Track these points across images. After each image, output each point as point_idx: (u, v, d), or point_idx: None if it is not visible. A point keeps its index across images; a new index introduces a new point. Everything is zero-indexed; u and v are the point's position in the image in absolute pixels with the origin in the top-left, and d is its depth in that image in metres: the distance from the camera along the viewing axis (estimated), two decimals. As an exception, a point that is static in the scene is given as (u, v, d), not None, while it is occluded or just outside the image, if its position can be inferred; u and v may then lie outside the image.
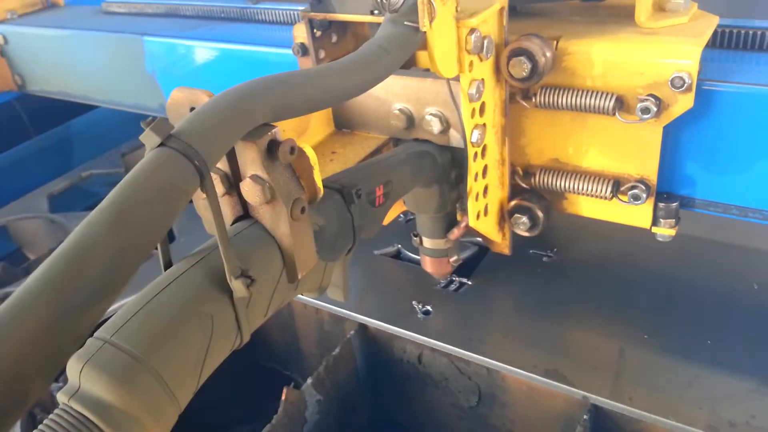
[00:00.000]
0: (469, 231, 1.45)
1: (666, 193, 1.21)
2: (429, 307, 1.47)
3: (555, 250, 1.60)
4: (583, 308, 1.42)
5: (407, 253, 1.68)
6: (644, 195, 1.17)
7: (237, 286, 0.68)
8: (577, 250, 1.60)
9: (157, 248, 0.70)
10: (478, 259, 1.62)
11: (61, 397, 0.59)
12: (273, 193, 0.73)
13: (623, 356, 1.29)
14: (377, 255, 1.69)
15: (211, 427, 1.72)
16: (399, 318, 1.46)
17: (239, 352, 1.76)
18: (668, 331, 1.33)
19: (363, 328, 1.50)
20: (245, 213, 0.78)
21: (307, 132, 1.20)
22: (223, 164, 0.74)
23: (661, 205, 1.20)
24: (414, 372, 1.49)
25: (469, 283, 1.53)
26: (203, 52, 1.73)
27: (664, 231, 1.22)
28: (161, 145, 0.60)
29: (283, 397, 1.34)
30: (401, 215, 1.79)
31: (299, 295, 1.58)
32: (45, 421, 0.57)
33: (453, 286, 1.53)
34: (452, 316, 1.45)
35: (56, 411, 0.58)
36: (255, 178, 0.71)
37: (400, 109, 1.17)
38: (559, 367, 1.28)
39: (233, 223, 0.78)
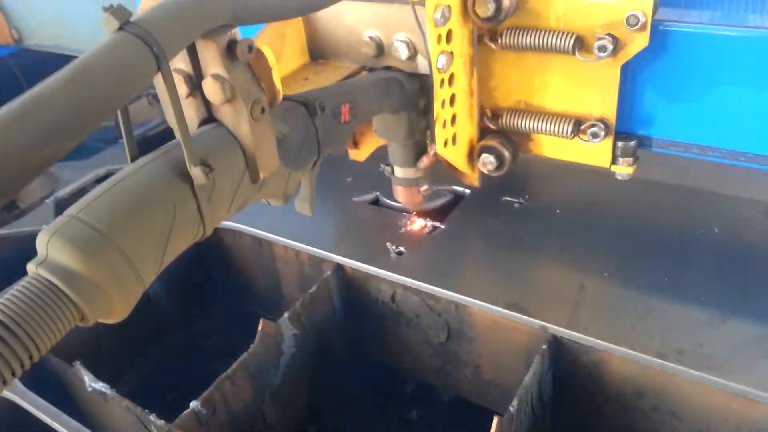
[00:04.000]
0: (442, 175, 1.51)
1: (625, 132, 1.26)
2: (402, 248, 1.53)
3: (527, 197, 1.65)
4: (549, 250, 1.47)
5: (385, 200, 1.73)
6: (602, 133, 1.22)
7: (196, 173, 0.73)
8: (548, 198, 1.65)
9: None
10: (452, 206, 1.67)
11: (30, 267, 0.64)
12: (233, 92, 0.77)
13: (582, 292, 1.35)
14: (356, 201, 1.75)
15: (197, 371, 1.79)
16: (374, 258, 1.52)
17: (224, 296, 1.78)
18: (628, 269, 1.38)
19: (339, 268, 1.56)
20: (210, 116, 0.83)
21: (281, 60, 1.25)
22: (186, 65, 0.79)
23: (619, 143, 1.25)
24: (388, 311, 1.55)
25: (442, 227, 1.59)
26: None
27: (623, 169, 1.27)
28: (120, 29, 0.65)
29: (259, 328, 1.40)
30: (381, 165, 1.84)
31: (280, 238, 1.65)
32: (15, 288, 0.62)
33: (426, 230, 1.59)
34: (424, 256, 1.51)
35: (25, 279, 0.63)
36: (215, 76, 0.77)
37: (370, 37, 1.21)
38: (521, 301, 1.34)
39: (199, 126, 0.83)
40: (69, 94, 0.61)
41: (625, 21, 1.10)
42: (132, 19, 0.66)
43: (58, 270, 0.63)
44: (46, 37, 2.30)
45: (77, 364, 1.37)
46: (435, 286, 1.41)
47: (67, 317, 0.62)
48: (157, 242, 0.71)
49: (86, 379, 1.34)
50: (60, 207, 1.88)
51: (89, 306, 0.64)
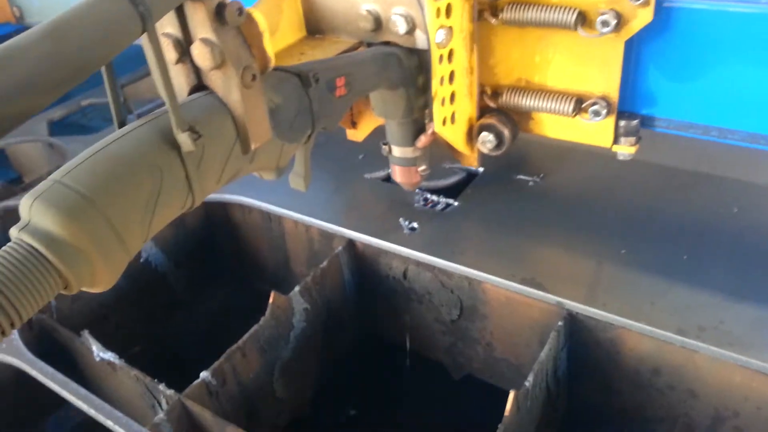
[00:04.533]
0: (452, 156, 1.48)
1: (627, 112, 1.24)
2: (415, 224, 1.51)
3: (542, 175, 1.63)
4: (565, 227, 1.45)
5: (397, 177, 1.71)
6: (604, 111, 1.20)
7: (183, 139, 0.70)
8: (563, 176, 1.63)
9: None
10: (465, 184, 1.65)
11: (12, 232, 0.62)
12: (223, 58, 0.75)
13: (600, 268, 1.32)
14: (368, 178, 1.73)
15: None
16: (386, 234, 1.50)
17: (232, 271, 1.74)
18: (646, 247, 1.36)
19: (351, 243, 1.54)
20: (200, 84, 0.80)
21: (278, 34, 1.22)
22: (175, 29, 0.76)
23: (621, 122, 1.23)
24: (399, 287, 1.54)
25: (456, 204, 1.57)
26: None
27: (625, 149, 1.25)
28: None
29: (270, 301, 1.38)
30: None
31: (290, 212, 1.63)
32: None
33: (439, 207, 1.57)
34: (437, 232, 1.49)
35: (8, 244, 0.61)
36: (204, 40, 0.74)
37: (367, 10, 1.18)
38: (536, 277, 1.31)
39: (189, 94, 0.80)
40: (45, 48, 0.58)
41: None
42: None
43: (41, 235, 0.60)
44: (47, 15, 2.25)
45: (85, 333, 1.35)
46: (448, 261, 1.39)
47: (50, 284, 0.60)
48: (144, 210, 0.68)
49: (94, 348, 1.32)
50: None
51: (72, 272, 0.61)
